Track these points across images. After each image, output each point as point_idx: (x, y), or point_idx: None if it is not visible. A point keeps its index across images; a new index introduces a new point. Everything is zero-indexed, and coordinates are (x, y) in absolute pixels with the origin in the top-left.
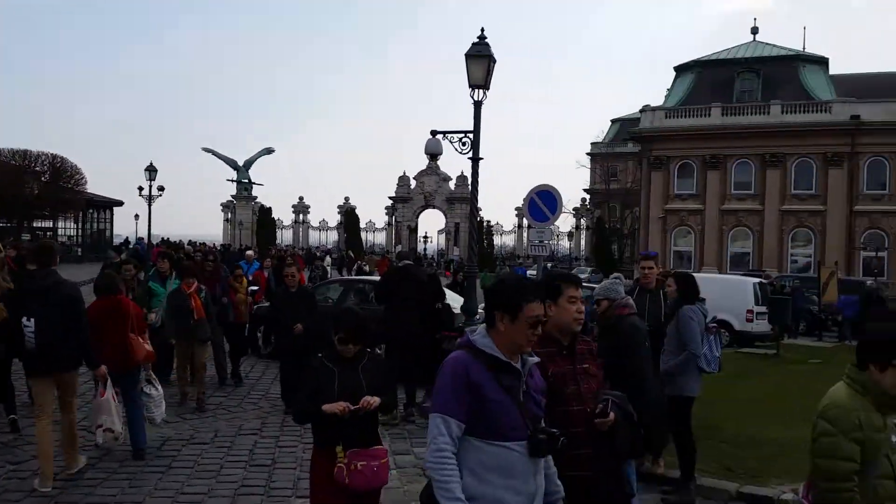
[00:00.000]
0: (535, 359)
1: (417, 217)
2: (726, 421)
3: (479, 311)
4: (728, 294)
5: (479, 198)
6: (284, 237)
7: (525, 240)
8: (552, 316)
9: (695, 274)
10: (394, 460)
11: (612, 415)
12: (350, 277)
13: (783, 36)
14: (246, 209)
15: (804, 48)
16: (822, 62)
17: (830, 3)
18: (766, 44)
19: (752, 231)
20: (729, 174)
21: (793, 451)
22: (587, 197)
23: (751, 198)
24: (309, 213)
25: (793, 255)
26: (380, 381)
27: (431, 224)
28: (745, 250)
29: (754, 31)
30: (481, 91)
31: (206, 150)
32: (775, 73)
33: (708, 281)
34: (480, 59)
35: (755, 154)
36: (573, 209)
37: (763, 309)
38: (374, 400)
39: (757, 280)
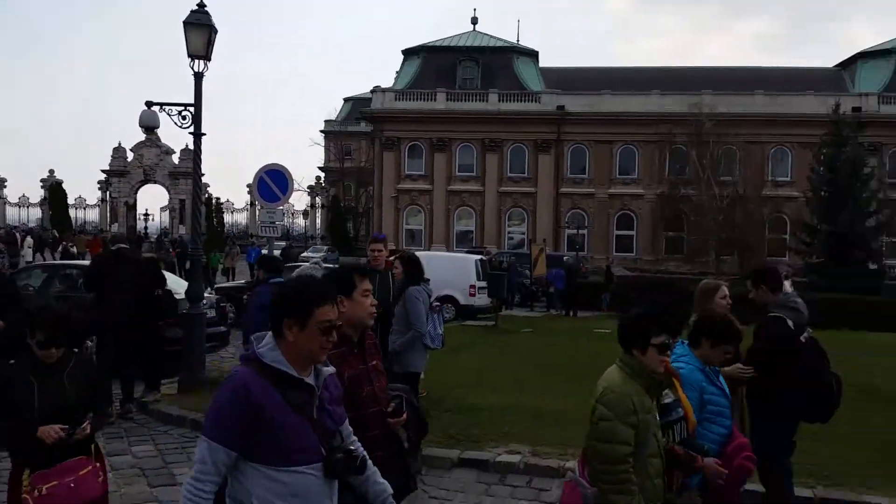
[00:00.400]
0: (331, 369)
1: (136, 192)
2: (449, 391)
3: (207, 295)
4: (453, 271)
5: (209, 175)
6: None
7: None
8: (345, 311)
9: (424, 252)
10: (110, 462)
11: (405, 413)
12: (54, 262)
13: (501, 27)
14: None
15: (518, 41)
16: (534, 55)
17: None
18: (485, 34)
19: (475, 211)
20: (454, 157)
21: (508, 416)
22: (322, 175)
23: (473, 179)
24: (5, 187)
25: (509, 233)
26: (91, 389)
27: (153, 200)
28: (469, 229)
29: (474, 21)
30: (202, 62)
31: None
32: (493, 63)
33: (436, 259)
34: (200, 28)
35: (476, 139)
36: (308, 187)
37: (484, 284)
38: (87, 430)
39: (478, 257)
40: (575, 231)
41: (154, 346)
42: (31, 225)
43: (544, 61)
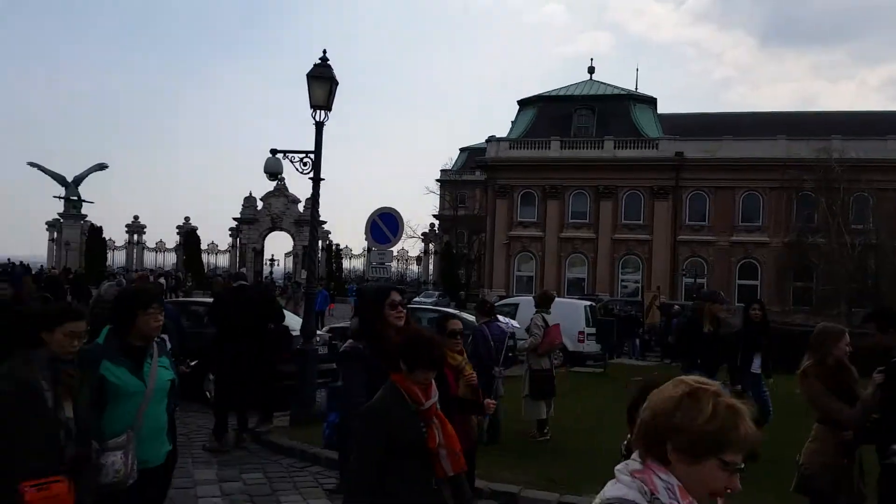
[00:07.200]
0: None
1: (264, 239)
2: (552, 435)
3: (319, 333)
4: (562, 316)
5: (330, 222)
6: (117, 259)
7: None
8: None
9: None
10: (220, 487)
11: None
12: (182, 300)
13: (617, 76)
14: (74, 228)
15: (636, 88)
16: (651, 102)
17: (661, 48)
18: (602, 83)
19: (587, 257)
20: (567, 204)
21: (611, 462)
22: (436, 222)
23: (586, 226)
24: (145, 233)
25: (623, 280)
26: None
27: (279, 247)
28: (581, 276)
29: (591, 70)
30: (323, 112)
31: (32, 164)
32: (609, 110)
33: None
34: (322, 81)
35: (590, 186)
36: (422, 234)
37: (593, 330)
38: None
39: (588, 303)
40: (693, 280)
41: (269, 379)
42: (167, 269)
43: (662, 108)
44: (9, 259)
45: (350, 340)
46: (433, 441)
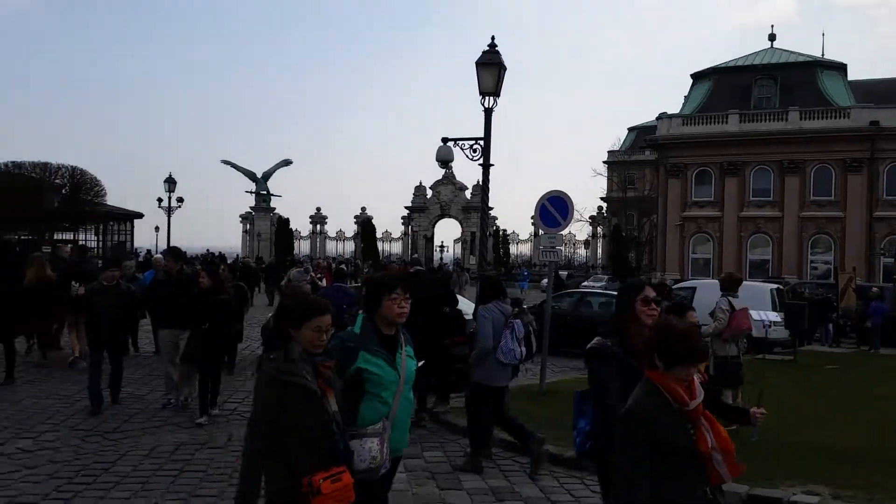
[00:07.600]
0: None
1: (433, 226)
2: (740, 426)
3: None
4: (748, 300)
5: (497, 208)
6: (302, 248)
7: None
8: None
9: (703, 280)
10: (404, 464)
11: None
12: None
13: (801, 43)
14: (264, 220)
15: (823, 54)
16: (841, 68)
17: (849, 10)
18: (784, 50)
19: (772, 238)
20: (747, 181)
21: (804, 454)
22: (604, 205)
23: (769, 205)
24: (326, 223)
25: (812, 261)
26: None
27: (447, 233)
28: (765, 257)
29: (772, 37)
30: (492, 98)
31: (226, 162)
32: (793, 79)
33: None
34: (491, 67)
35: (773, 161)
36: (590, 217)
37: (781, 315)
38: None
39: (775, 286)
40: (892, 260)
41: (443, 361)
42: (347, 256)
43: (853, 74)
44: (207, 250)
45: (598, 337)
46: (704, 444)
